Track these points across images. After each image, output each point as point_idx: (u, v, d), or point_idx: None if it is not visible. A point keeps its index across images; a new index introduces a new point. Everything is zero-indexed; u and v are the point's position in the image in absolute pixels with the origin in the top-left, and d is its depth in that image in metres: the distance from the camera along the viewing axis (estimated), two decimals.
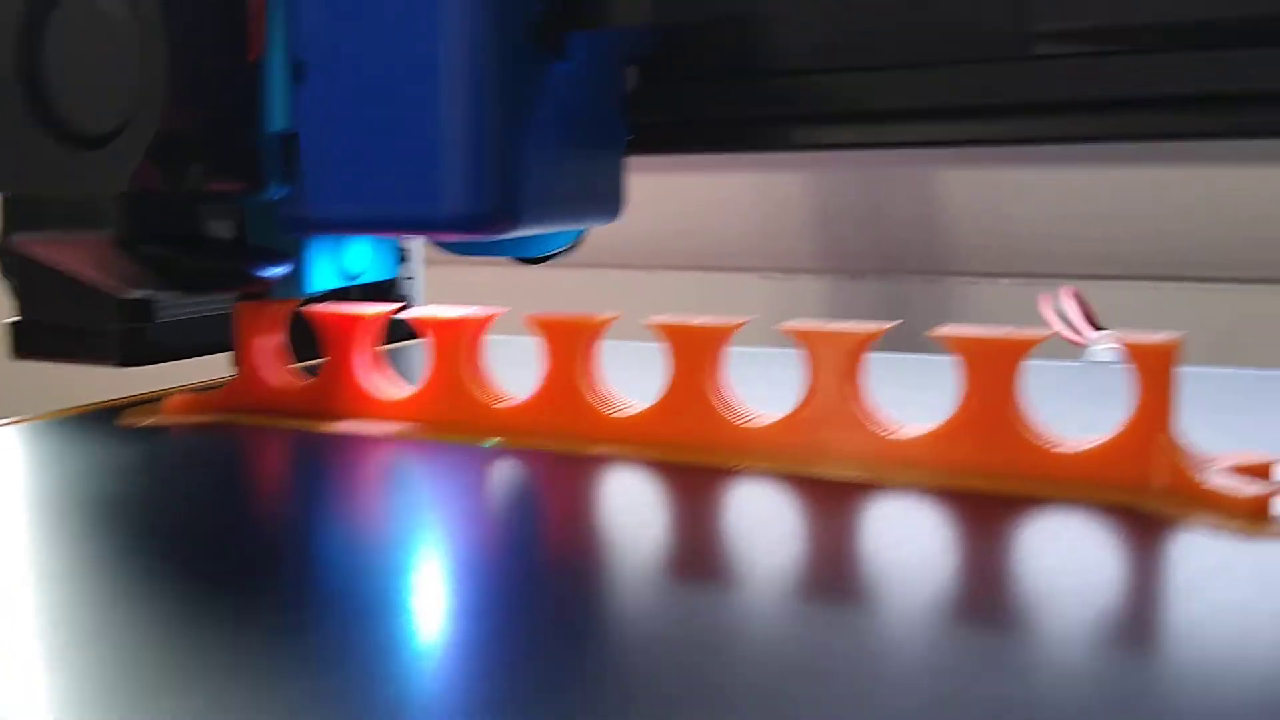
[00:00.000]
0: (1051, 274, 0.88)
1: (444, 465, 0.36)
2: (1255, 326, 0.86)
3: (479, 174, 0.34)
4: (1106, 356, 0.55)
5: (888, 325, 0.32)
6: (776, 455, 0.33)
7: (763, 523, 0.30)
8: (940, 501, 0.30)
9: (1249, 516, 0.27)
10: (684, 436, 0.34)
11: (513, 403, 0.37)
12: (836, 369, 0.32)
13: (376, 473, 0.36)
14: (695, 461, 0.33)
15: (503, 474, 0.34)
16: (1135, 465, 0.30)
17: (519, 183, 0.35)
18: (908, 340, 0.42)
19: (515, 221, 0.35)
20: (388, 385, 0.39)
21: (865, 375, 0.33)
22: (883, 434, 0.32)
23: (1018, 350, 0.31)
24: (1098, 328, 0.72)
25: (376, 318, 0.39)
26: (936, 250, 0.91)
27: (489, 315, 0.38)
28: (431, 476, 0.35)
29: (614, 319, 0.36)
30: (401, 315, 0.39)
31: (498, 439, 0.36)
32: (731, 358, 0.34)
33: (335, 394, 0.39)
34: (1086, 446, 0.30)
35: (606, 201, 0.38)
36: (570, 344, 0.36)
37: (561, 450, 0.35)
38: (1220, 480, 0.28)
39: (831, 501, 0.31)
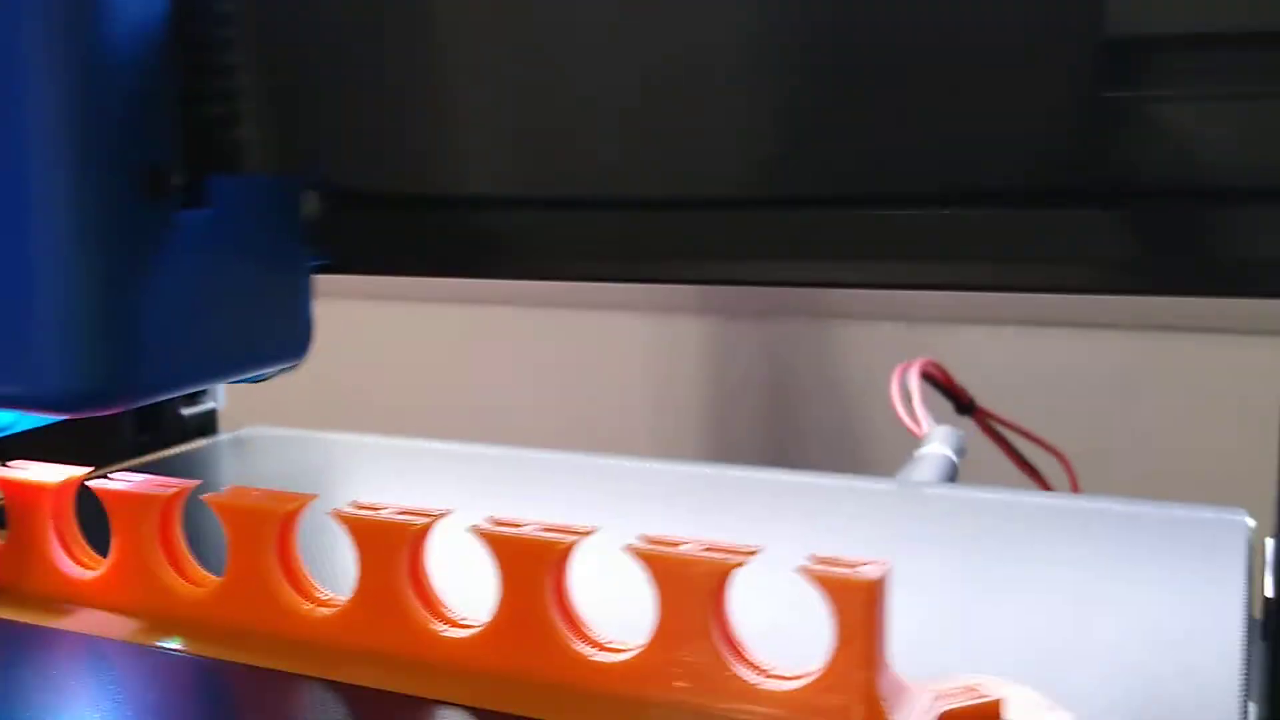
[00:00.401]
0: (933, 318, 0.85)
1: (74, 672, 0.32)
2: (1146, 372, 0.83)
3: (78, 347, 0.29)
4: (935, 458, 0.51)
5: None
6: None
7: None
8: None
9: None
10: (378, 640, 0.31)
11: (201, 594, 0.33)
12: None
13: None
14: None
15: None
16: (837, 711, 0.26)
17: (134, 351, 0.30)
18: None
19: (131, 394, 0.30)
20: (73, 565, 0.35)
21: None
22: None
23: (717, 575, 0.27)
24: (963, 402, 0.69)
25: (56, 486, 0.35)
26: (816, 291, 0.87)
27: (179, 490, 0.34)
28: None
29: (306, 503, 0.32)
30: (89, 483, 0.35)
31: (177, 639, 0.32)
32: None
33: (20, 568, 0.35)
34: (788, 686, 0.27)
35: (282, 341, 0.34)
36: (259, 532, 0.32)
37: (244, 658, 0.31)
38: None
39: None
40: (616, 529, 0.29)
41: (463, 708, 0.28)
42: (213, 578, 0.33)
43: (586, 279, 0.34)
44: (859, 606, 0.25)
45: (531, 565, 0.28)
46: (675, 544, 0.28)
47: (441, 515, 0.30)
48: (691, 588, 0.27)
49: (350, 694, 0.29)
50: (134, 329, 0.30)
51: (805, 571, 0.26)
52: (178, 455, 0.51)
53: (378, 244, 0.35)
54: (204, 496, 0.32)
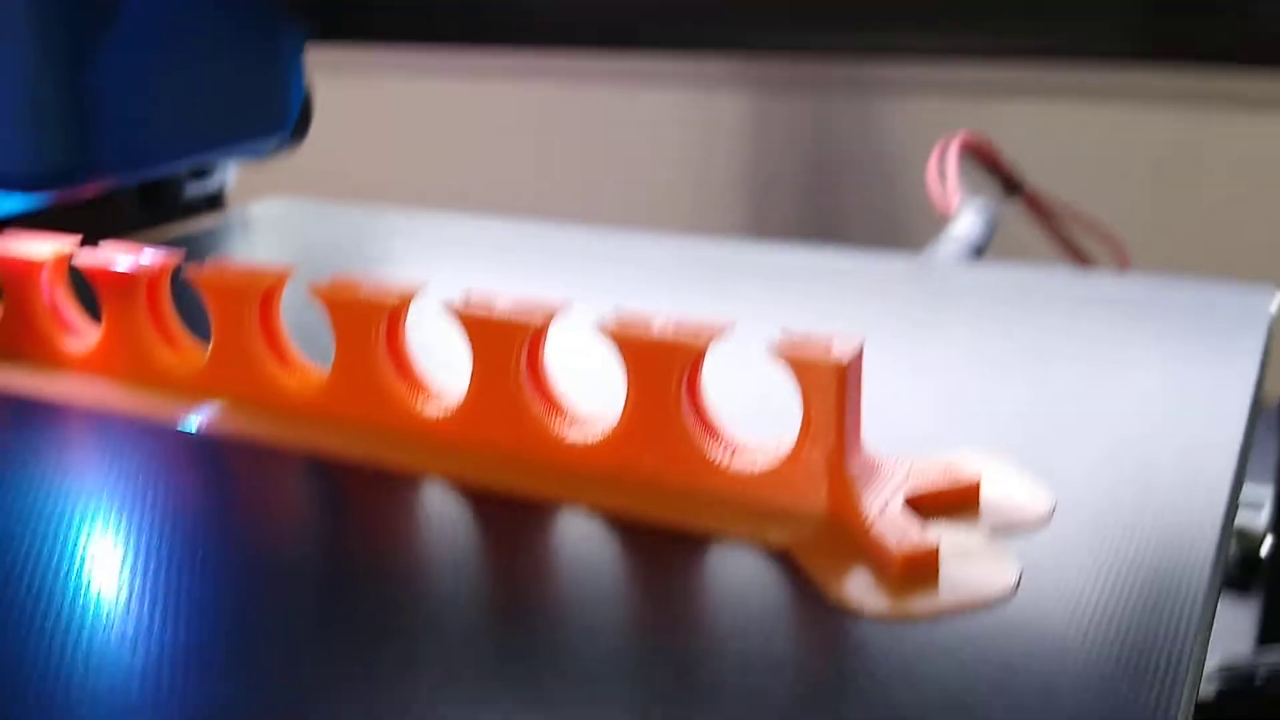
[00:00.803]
0: (980, 91, 0.81)
1: (115, 450, 0.32)
2: (1204, 149, 0.79)
3: (39, 126, 0.28)
4: (963, 234, 0.50)
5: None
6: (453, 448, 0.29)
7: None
8: (579, 520, 0.26)
9: (900, 581, 0.23)
10: (357, 412, 0.31)
11: (189, 366, 0.33)
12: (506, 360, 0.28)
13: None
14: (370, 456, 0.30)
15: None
16: (802, 493, 0.26)
17: (97, 129, 0.29)
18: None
19: (95, 171, 0.30)
20: (69, 335, 0.35)
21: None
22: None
23: (685, 356, 0.26)
24: (1011, 182, 0.66)
25: (49, 260, 0.35)
26: (861, 64, 0.83)
27: (164, 264, 0.33)
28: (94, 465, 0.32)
29: (285, 278, 0.32)
30: (76, 260, 0.34)
31: (198, 417, 0.32)
32: None
33: (16, 339, 0.36)
34: (751, 468, 0.26)
35: (263, 117, 0.33)
36: (239, 304, 0.32)
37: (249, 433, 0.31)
38: (884, 525, 0.24)
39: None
40: (614, 304, 0.28)
41: (438, 480, 0.28)
42: (201, 352, 0.33)
43: (609, 47, 0.33)
44: (826, 386, 0.25)
45: (502, 345, 0.28)
46: (646, 323, 0.27)
47: (415, 292, 0.30)
48: (661, 368, 0.26)
49: (328, 466, 0.30)
50: (96, 107, 0.29)
51: (773, 349, 0.25)
52: (183, 234, 0.50)
53: (366, 9, 0.34)
54: (187, 273, 0.32)
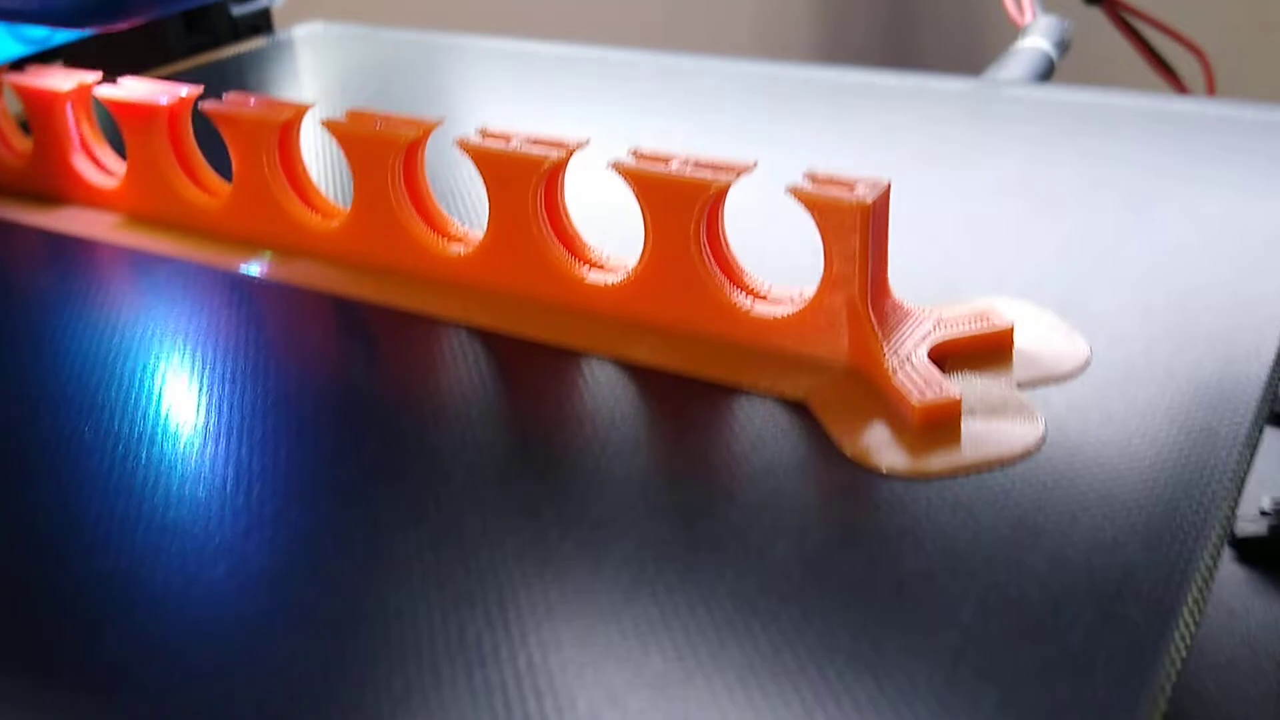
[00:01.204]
0: None
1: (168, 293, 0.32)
2: None
3: None
4: (1030, 52, 0.47)
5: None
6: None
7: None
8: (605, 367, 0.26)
9: (919, 435, 0.22)
10: (376, 252, 0.30)
11: (218, 202, 0.33)
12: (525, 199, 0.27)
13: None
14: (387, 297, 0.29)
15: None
16: (824, 341, 0.25)
17: None
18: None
19: (142, 5, 0.29)
20: (97, 169, 0.35)
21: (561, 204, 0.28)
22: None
23: (703, 195, 0.25)
24: None
25: (73, 92, 0.34)
26: None
27: (183, 98, 0.32)
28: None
29: (302, 113, 0.31)
30: (97, 93, 0.34)
31: (265, 257, 0.31)
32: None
33: (46, 174, 0.35)
34: (772, 314, 0.25)
35: None
36: (256, 141, 0.31)
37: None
38: (905, 376, 0.23)
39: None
40: (650, 133, 0.27)
41: (456, 322, 0.28)
42: (225, 186, 0.33)
43: None
44: (848, 229, 0.23)
45: (516, 182, 0.27)
46: (665, 160, 0.26)
47: (432, 126, 0.29)
48: (678, 209, 0.25)
49: (348, 305, 0.29)
50: None
51: (795, 192, 0.24)
52: (229, 57, 0.49)
53: None
54: (202, 106, 0.31)
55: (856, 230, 0.23)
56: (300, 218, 0.31)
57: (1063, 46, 0.47)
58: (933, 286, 0.28)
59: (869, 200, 0.23)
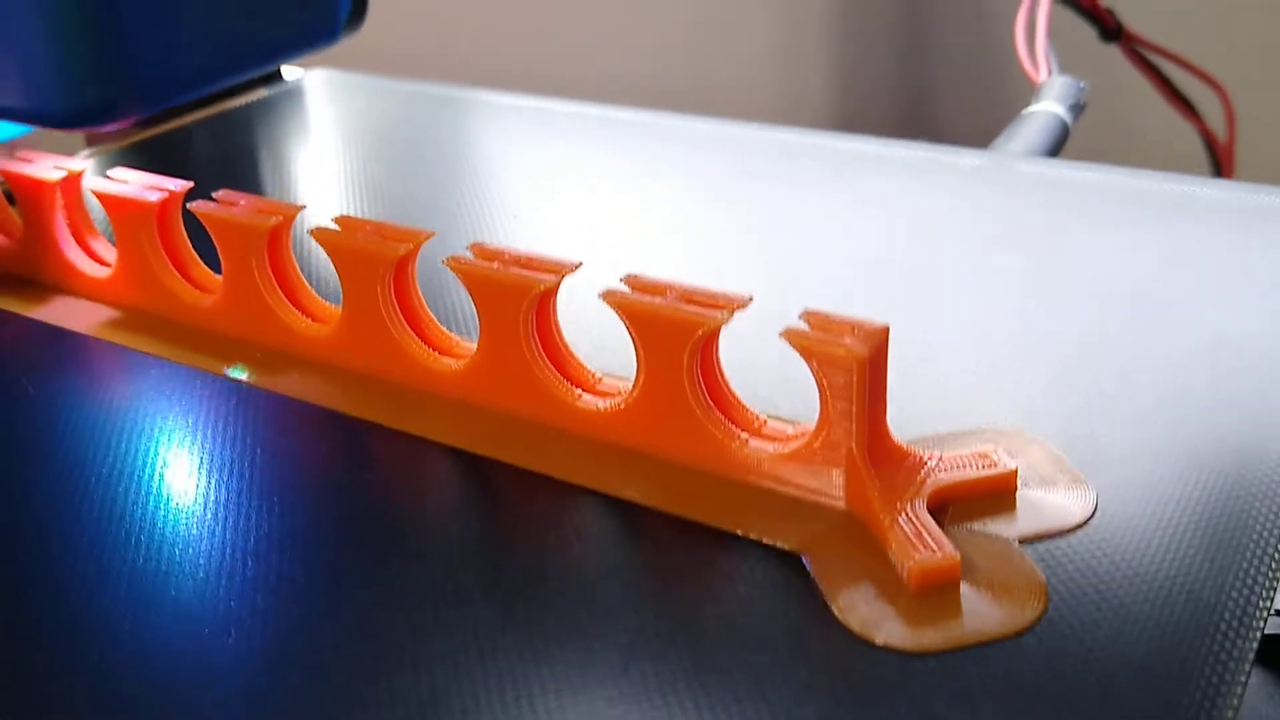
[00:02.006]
0: None
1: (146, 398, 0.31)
2: None
3: (72, 64, 0.27)
4: (1044, 116, 0.46)
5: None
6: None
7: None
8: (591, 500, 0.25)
9: (914, 600, 0.22)
10: (366, 363, 0.29)
11: (207, 300, 0.32)
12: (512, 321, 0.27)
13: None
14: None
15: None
16: (819, 487, 0.24)
17: (131, 62, 0.28)
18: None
19: (133, 105, 0.28)
20: (88, 260, 0.34)
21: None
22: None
23: (692, 332, 0.24)
24: (1109, 26, 0.61)
25: (61, 182, 0.34)
26: None
27: (178, 192, 0.32)
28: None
29: (291, 217, 0.30)
30: (86, 185, 0.33)
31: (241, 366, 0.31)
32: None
33: (38, 260, 0.35)
34: (765, 455, 0.24)
35: (309, 24, 0.31)
36: (245, 245, 0.30)
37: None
38: (902, 533, 0.23)
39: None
40: (656, 195, 0.25)
41: (443, 440, 0.27)
42: (217, 281, 0.32)
43: None
44: (843, 379, 0.23)
45: (507, 306, 0.26)
46: (660, 289, 0.25)
47: (422, 239, 0.28)
48: (670, 345, 0.24)
49: (331, 415, 0.28)
50: (127, 34, 0.27)
51: (788, 337, 0.23)
52: (238, 106, 0.49)
53: None
54: (192, 207, 0.30)
55: (853, 382, 0.23)
56: (290, 322, 0.30)
57: (1077, 109, 0.47)
58: (933, 409, 0.27)
59: (864, 353, 0.22)
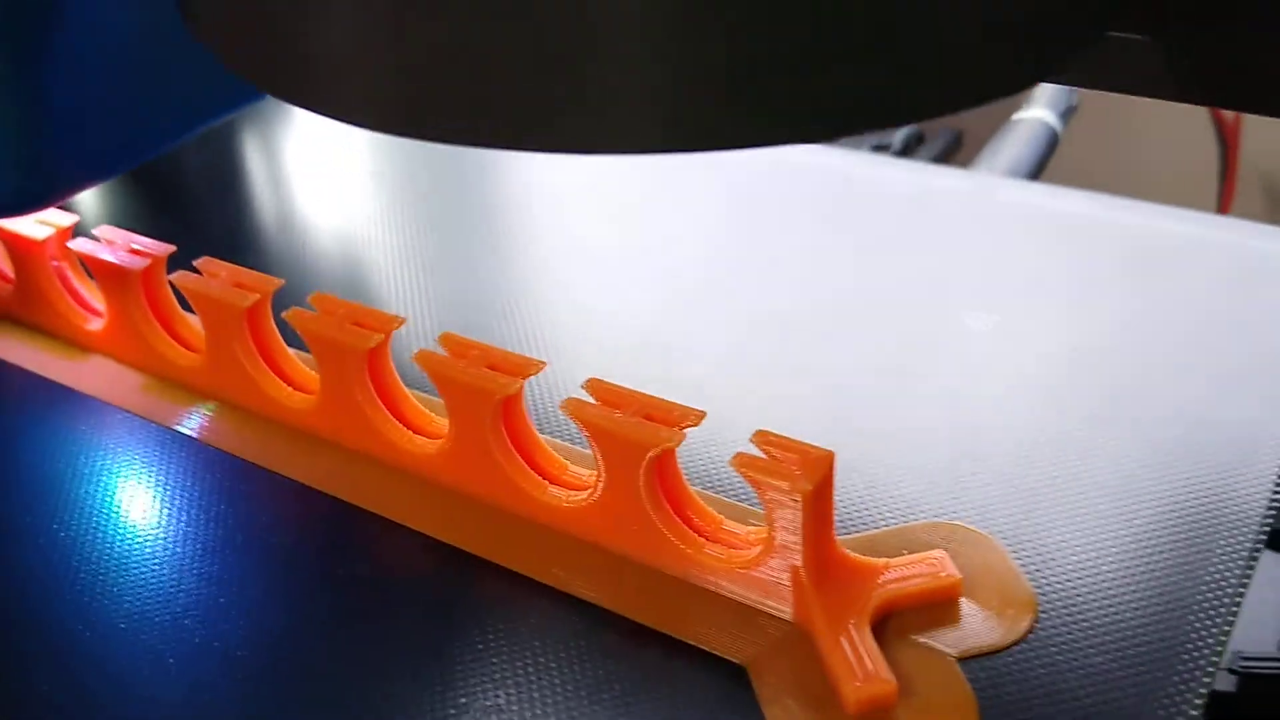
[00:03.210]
0: None
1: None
2: None
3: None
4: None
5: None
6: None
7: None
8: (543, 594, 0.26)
9: (852, 717, 0.23)
10: (342, 437, 0.30)
11: (189, 359, 0.33)
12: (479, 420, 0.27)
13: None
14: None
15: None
16: (768, 601, 0.25)
17: (63, 144, 0.28)
18: None
19: (60, 186, 0.29)
20: (80, 311, 0.35)
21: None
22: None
23: (648, 447, 0.25)
24: None
25: (50, 239, 0.34)
26: None
27: (159, 258, 0.33)
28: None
29: (269, 293, 0.31)
30: (72, 246, 0.34)
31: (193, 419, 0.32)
32: None
33: (31, 310, 0.36)
34: (722, 560, 0.25)
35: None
36: (224, 320, 0.31)
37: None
38: (843, 656, 0.24)
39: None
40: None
41: (406, 522, 0.28)
42: (201, 346, 0.33)
43: None
44: (790, 511, 0.23)
45: (475, 404, 0.27)
46: (620, 402, 0.26)
47: (398, 323, 0.29)
48: (627, 456, 0.25)
49: (300, 489, 0.29)
50: (54, 119, 0.27)
51: (738, 465, 0.24)
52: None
53: None
54: (175, 280, 0.31)
55: (798, 511, 0.23)
56: (269, 391, 0.31)
57: (1066, 115, 0.46)
58: (889, 501, 0.28)
59: (809, 488, 0.23)
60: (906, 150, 0.74)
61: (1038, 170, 0.45)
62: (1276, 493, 0.27)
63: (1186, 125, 0.66)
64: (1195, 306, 0.34)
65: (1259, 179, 0.74)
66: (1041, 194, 0.41)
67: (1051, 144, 0.46)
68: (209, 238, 0.41)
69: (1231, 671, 0.35)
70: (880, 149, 0.73)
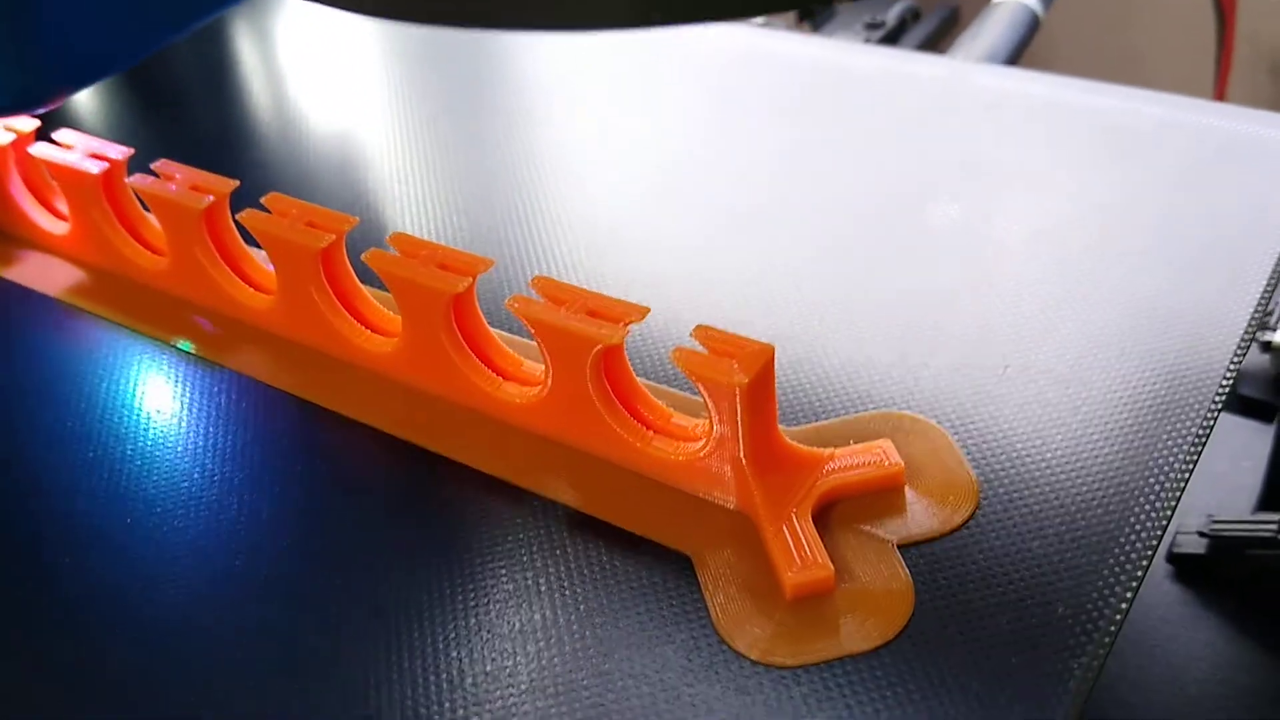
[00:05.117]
0: None
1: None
2: None
3: None
4: (1012, 7, 0.45)
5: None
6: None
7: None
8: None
9: (791, 606, 0.23)
10: (301, 336, 0.31)
11: (153, 262, 0.33)
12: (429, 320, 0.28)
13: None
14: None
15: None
16: (713, 492, 0.25)
17: (51, 42, 0.28)
18: None
19: (58, 86, 0.28)
20: (47, 216, 0.35)
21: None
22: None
23: (590, 346, 0.25)
24: None
25: (12, 145, 0.34)
26: None
27: (119, 161, 0.33)
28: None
29: (224, 196, 0.31)
30: (32, 151, 0.34)
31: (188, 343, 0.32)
32: None
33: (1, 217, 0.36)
34: (668, 454, 0.26)
35: None
36: (182, 223, 0.31)
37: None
38: (784, 540, 0.24)
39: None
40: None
41: (366, 419, 0.29)
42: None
43: None
44: (728, 401, 0.24)
45: (427, 303, 0.27)
46: (564, 299, 0.26)
47: (350, 224, 0.29)
48: (573, 355, 0.25)
49: (254, 384, 0.30)
50: (53, 20, 0.27)
51: (677, 359, 0.24)
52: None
53: None
54: (131, 183, 0.31)
55: (736, 404, 0.24)
56: (231, 292, 0.32)
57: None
58: (838, 390, 0.28)
59: (745, 381, 0.23)
60: (902, 27, 0.73)
61: (1016, 55, 0.44)
62: (1225, 382, 0.27)
63: (1183, 4, 0.65)
64: (1162, 191, 0.34)
65: (1257, 60, 0.72)
66: (1016, 79, 0.40)
67: (1032, 27, 0.45)
68: (201, 137, 0.41)
69: (1201, 535, 0.35)
70: (874, 27, 0.72)
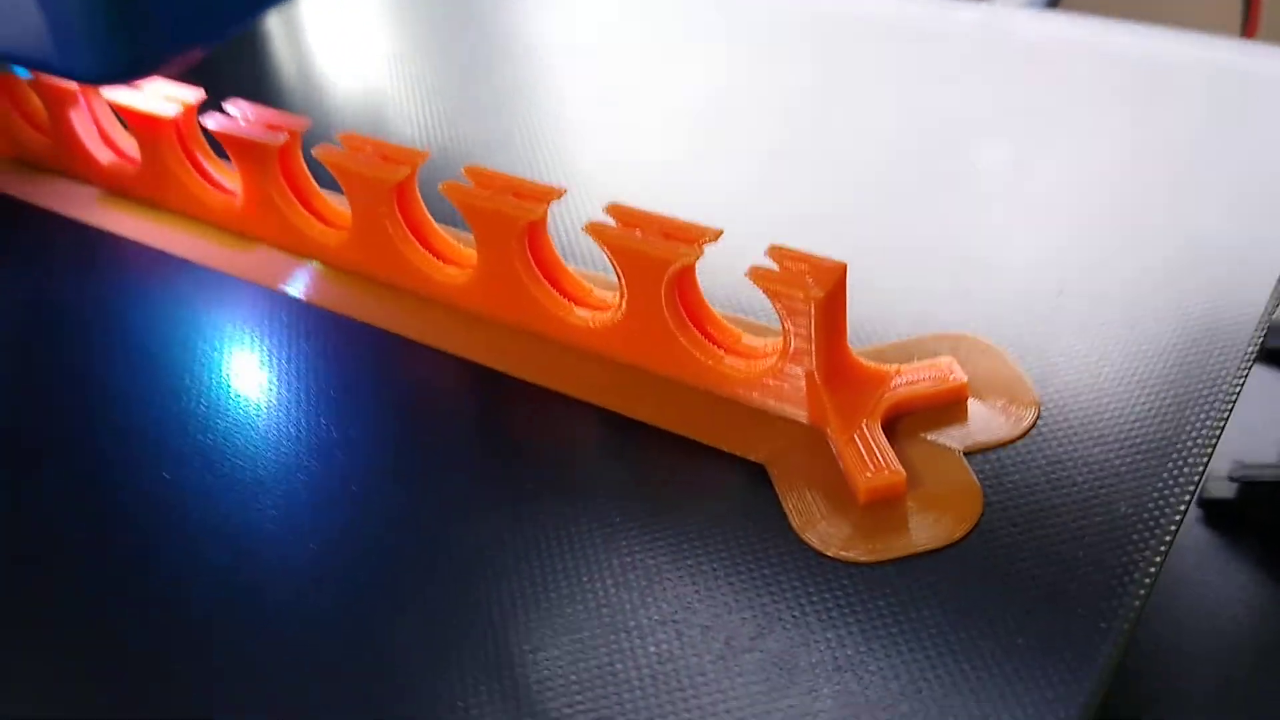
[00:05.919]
0: None
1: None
2: None
3: (100, 28, 0.28)
4: None
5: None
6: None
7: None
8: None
9: (865, 509, 0.24)
10: (377, 272, 0.32)
11: (226, 203, 0.34)
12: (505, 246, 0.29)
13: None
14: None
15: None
16: (785, 404, 0.27)
17: (156, 20, 0.28)
18: None
19: (165, 53, 0.29)
20: (117, 158, 0.36)
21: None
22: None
23: (666, 266, 0.26)
24: None
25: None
26: None
27: (191, 107, 0.34)
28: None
29: (298, 132, 0.32)
30: (106, 95, 0.35)
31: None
32: None
33: (69, 159, 0.37)
34: (740, 370, 0.27)
35: None
36: (257, 159, 0.32)
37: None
38: (856, 451, 0.25)
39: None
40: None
41: (446, 349, 0.30)
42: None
43: None
44: (802, 315, 0.25)
45: (499, 232, 0.28)
46: (638, 222, 0.27)
47: (423, 157, 0.30)
48: (648, 275, 0.27)
49: (340, 320, 0.31)
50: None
51: (752, 276, 0.25)
52: None
53: None
54: (205, 123, 0.32)
55: (811, 317, 0.25)
56: (303, 228, 0.33)
57: None
58: (901, 313, 0.29)
59: (820, 295, 0.24)
60: None
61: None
62: (1271, 305, 0.28)
63: None
64: (1200, 129, 0.35)
65: None
66: (1056, 22, 0.41)
67: None
68: (234, 82, 0.42)
69: (1231, 479, 0.36)
70: None
